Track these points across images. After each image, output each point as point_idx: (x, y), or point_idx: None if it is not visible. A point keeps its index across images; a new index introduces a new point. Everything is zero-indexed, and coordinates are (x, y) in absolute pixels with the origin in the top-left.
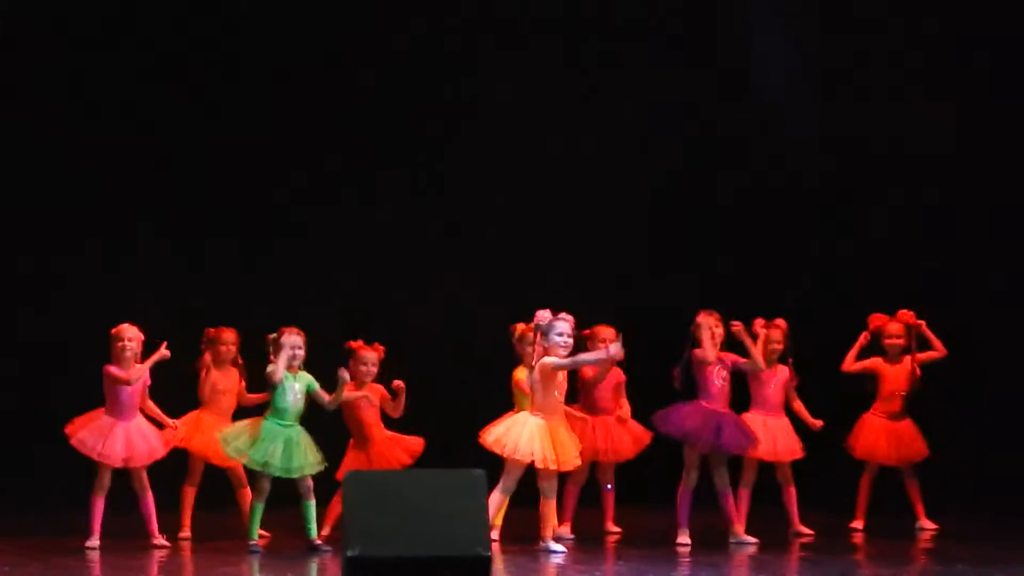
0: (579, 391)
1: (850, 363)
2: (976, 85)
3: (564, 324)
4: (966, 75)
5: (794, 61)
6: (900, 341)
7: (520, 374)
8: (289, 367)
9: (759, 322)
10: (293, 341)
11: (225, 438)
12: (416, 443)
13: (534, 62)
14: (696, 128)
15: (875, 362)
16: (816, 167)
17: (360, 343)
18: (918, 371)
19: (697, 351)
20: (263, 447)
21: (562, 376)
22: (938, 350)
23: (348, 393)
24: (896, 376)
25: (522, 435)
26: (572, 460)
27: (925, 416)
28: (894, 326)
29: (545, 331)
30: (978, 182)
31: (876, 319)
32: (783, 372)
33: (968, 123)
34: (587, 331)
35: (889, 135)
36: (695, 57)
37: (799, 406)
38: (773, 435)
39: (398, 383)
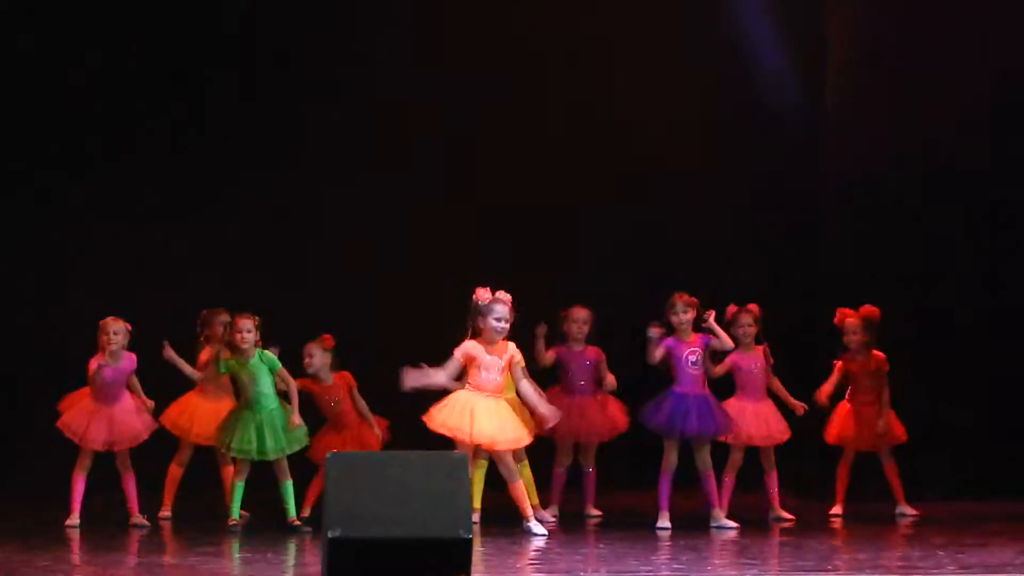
0: (558, 371)
1: (825, 394)
2: None
3: (502, 307)
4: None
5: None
6: (857, 336)
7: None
8: (242, 352)
9: (731, 308)
10: (240, 324)
11: (223, 437)
12: (381, 423)
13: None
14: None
15: (839, 363)
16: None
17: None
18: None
19: (668, 338)
20: (238, 434)
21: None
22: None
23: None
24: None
25: (448, 409)
26: (495, 438)
27: (905, 401)
28: (852, 323)
29: (483, 312)
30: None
31: (839, 315)
32: (759, 355)
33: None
34: (564, 311)
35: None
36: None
37: (778, 387)
38: (760, 419)
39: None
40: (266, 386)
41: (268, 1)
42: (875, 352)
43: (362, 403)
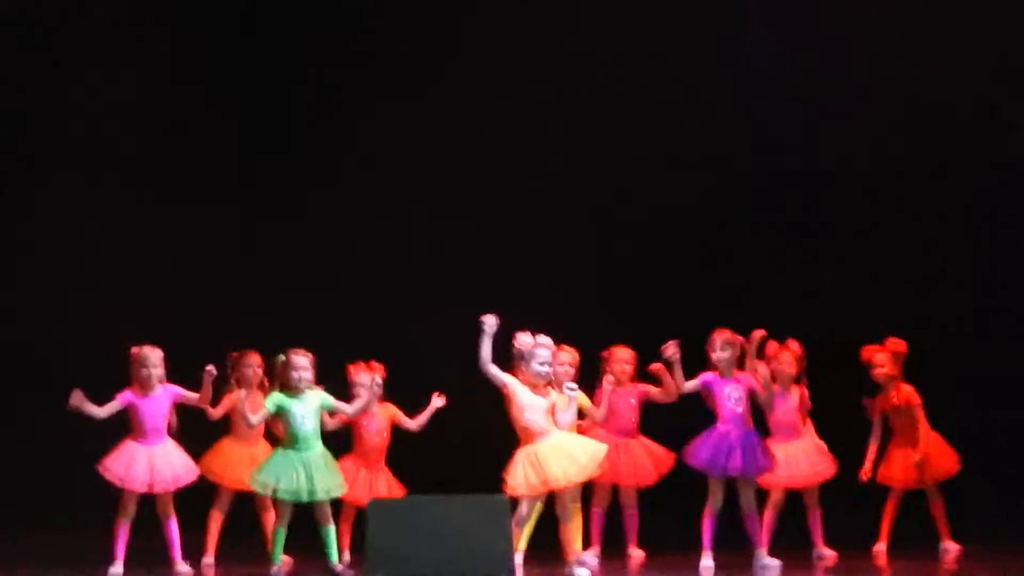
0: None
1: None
2: None
3: (545, 351)
4: None
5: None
6: (885, 370)
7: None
8: (294, 389)
9: (771, 345)
10: (297, 363)
11: (262, 481)
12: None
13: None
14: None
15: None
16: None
17: (359, 365)
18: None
19: (708, 374)
20: (268, 472)
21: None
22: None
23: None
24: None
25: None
26: (559, 478)
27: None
28: (880, 356)
29: (526, 357)
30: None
31: (866, 351)
32: (795, 395)
33: None
34: (605, 352)
35: None
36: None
37: (808, 426)
38: (792, 460)
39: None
40: (314, 425)
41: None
42: (903, 385)
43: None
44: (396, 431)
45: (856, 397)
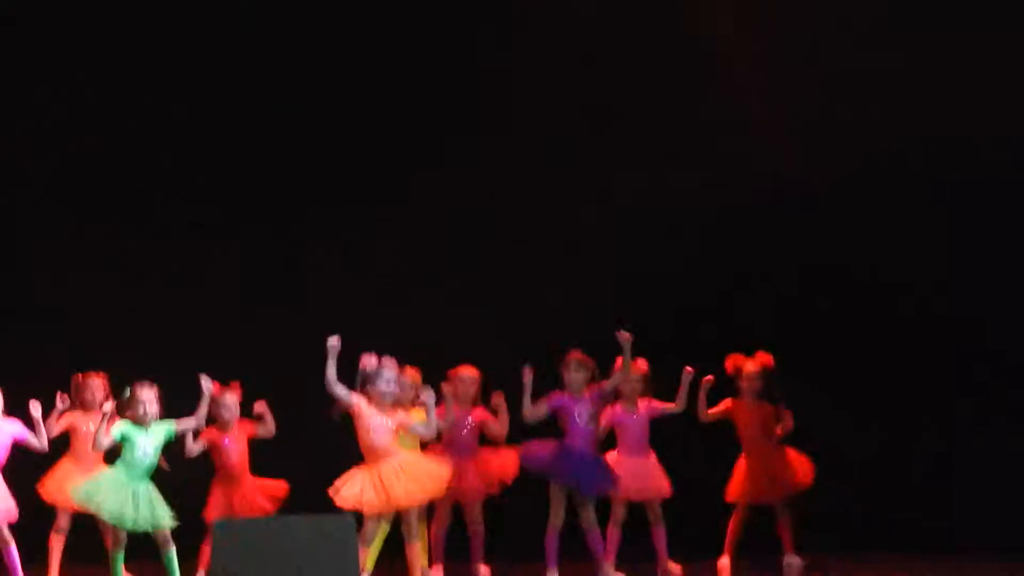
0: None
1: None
2: None
3: (391, 372)
4: None
5: None
6: (757, 384)
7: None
8: (139, 421)
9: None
10: (143, 396)
11: (87, 493)
12: (280, 488)
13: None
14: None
15: (730, 403)
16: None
17: (217, 386)
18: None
19: (560, 394)
20: (96, 490)
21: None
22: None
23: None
24: (752, 417)
25: (351, 486)
26: (411, 496)
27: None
28: (751, 370)
29: (371, 378)
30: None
31: (733, 360)
32: (643, 411)
33: None
34: (451, 371)
35: None
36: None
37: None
38: (638, 474)
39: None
40: (155, 457)
41: None
42: (767, 404)
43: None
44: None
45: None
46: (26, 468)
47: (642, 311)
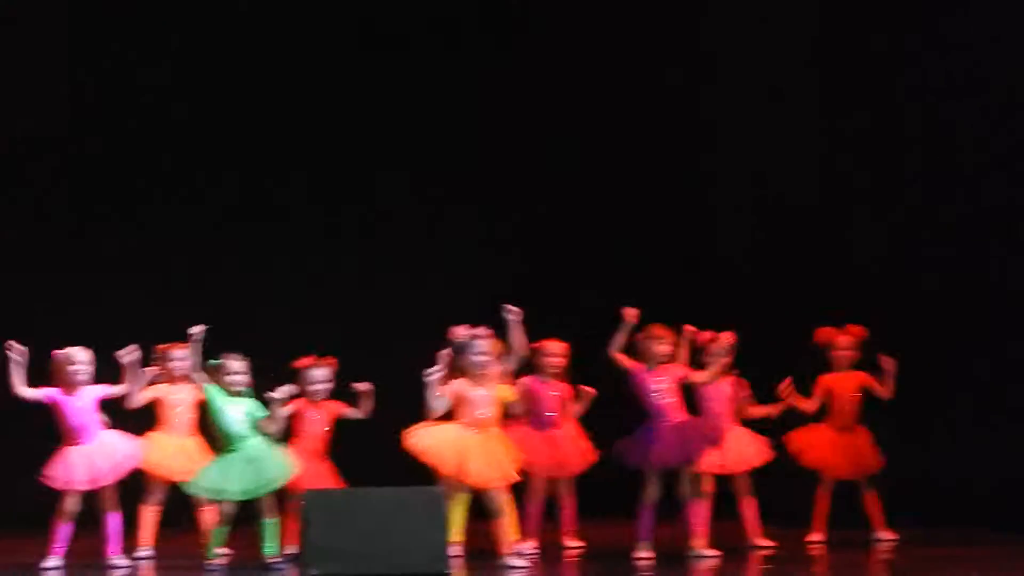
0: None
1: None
2: None
3: (482, 342)
4: None
5: None
6: (848, 354)
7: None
8: (229, 390)
9: (706, 334)
10: (232, 367)
11: (214, 487)
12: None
13: None
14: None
15: (824, 379)
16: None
17: (310, 359)
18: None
19: (635, 365)
20: (214, 479)
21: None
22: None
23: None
24: (847, 386)
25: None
26: (495, 478)
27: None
28: (843, 339)
29: (462, 349)
30: None
31: (823, 333)
32: (727, 385)
33: None
34: (536, 344)
35: None
36: None
37: (756, 413)
38: (730, 446)
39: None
40: (248, 428)
41: None
42: (859, 373)
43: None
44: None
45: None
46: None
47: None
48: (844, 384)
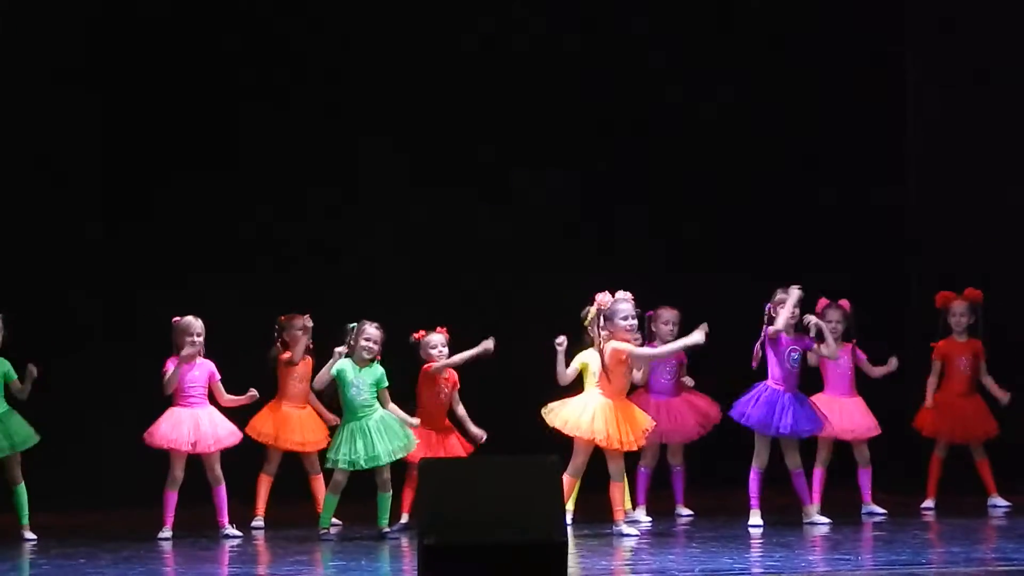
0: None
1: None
2: None
3: (627, 305)
4: None
5: None
6: (964, 319)
7: (586, 357)
8: (359, 360)
9: (822, 302)
10: (371, 333)
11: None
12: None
13: None
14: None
15: (940, 345)
16: None
17: (422, 332)
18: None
19: (771, 328)
20: (344, 448)
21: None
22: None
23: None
24: (961, 352)
25: (585, 415)
26: (638, 440)
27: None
28: (959, 305)
29: (608, 315)
30: None
31: (943, 297)
32: (847, 352)
33: None
34: (650, 312)
35: None
36: None
37: (879, 375)
38: (846, 415)
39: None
40: (371, 397)
41: None
42: (974, 339)
43: (460, 404)
44: None
45: None
46: (235, 409)
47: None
48: (958, 350)
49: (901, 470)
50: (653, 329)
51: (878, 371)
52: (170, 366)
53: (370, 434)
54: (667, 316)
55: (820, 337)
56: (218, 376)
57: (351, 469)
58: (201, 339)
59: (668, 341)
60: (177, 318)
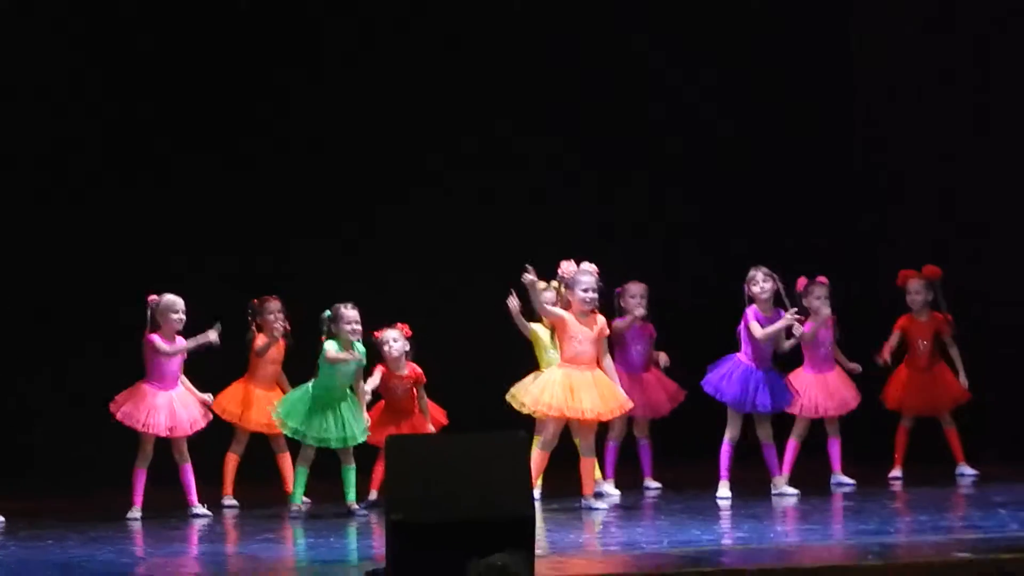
0: (614, 345)
1: (887, 352)
2: None
3: (589, 278)
4: None
5: None
6: (920, 297)
7: (539, 328)
8: (346, 344)
9: (802, 280)
10: (350, 316)
11: (280, 416)
12: (439, 413)
13: None
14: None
15: (901, 321)
16: None
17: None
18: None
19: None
20: (317, 422)
21: (592, 328)
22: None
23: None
24: (920, 329)
25: (542, 388)
26: (597, 410)
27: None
28: (915, 283)
29: (569, 284)
30: None
31: (902, 275)
32: (830, 326)
33: None
34: (619, 288)
35: None
36: None
37: (837, 352)
38: (826, 390)
39: None
40: (351, 377)
41: None
42: (936, 313)
43: (425, 399)
44: None
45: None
46: (203, 387)
47: None
48: (918, 328)
49: (870, 440)
50: (622, 304)
51: (841, 357)
52: (157, 342)
53: (341, 413)
54: (634, 290)
55: (805, 314)
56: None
57: (319, 446)
58: (184, 316)
59: (636, 315)
60: (154, 296)
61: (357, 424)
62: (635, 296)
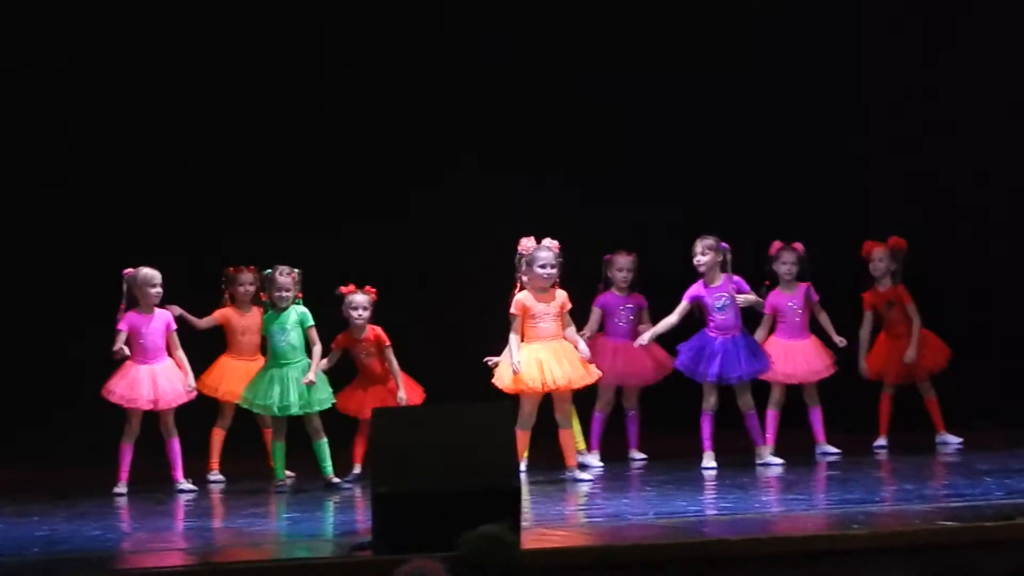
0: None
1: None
2: None
3: (548, 254)
4: None
5: None
6: (883, 264)
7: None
8: (274, 306)
9: (776, 244)
10: (280, 283)
11: (246, 399)
12: (415, 389)
13: None
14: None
15: (867, 296)
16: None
17: (351, 287)
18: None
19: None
20: (260, 389)
21: (550, 303)
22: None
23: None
24: (884, 297)
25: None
26: (569, 376)
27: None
28: (878, 251)
29: (529, 261)
30: None
31: (867, 245)
32: (800, 294)
33: None
34: (608, 256)
35: None
36: None
37: (825, 322)
38: (795, 357)
39: None
40: (296, 340)
41: None
42: (899, 285)
43: (395, 363)
44: None
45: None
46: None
47: None
48: (883, 298)
49: (854, 409)
50: (608, 275)
51: (828, 325)
52: (123, 324)
53: (288, 383)
54: (622, 262)
55: (775, 282)
56: (175, 326)
57: (264, 414)
58: (161, 290)
59: (622, 288)
60: (130, 270)
61: (313, 393)
62: (622, 269)
